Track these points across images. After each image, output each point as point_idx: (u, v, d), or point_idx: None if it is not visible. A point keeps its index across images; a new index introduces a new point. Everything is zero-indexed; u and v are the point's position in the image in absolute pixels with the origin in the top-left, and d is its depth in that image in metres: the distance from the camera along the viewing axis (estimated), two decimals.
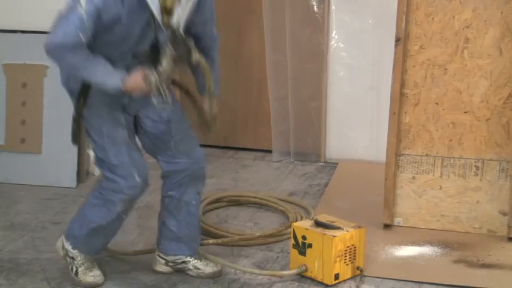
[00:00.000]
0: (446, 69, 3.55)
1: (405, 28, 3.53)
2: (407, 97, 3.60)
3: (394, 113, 3.59)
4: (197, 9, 2.92)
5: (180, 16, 2.82)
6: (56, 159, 4.21)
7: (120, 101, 2.96)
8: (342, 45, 4.62)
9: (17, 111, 4.31)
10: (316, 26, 4.62)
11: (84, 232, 3.07)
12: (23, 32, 4.29)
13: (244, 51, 4.92)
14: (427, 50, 3.55)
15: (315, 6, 4.58)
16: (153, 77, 2.79)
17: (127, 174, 2.97)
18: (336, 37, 4.61)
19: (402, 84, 3.58)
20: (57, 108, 4.06)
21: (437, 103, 3.58)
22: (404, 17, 3.52)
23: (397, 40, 3.53)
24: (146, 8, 2.74)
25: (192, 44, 2.89)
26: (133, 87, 2.82)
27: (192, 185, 3.15)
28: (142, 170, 3.01)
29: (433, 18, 3.53)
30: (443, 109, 3.57)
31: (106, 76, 2.81)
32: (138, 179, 2.98)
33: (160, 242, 3.23)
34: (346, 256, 3.08)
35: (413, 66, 3.59)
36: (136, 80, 2.80)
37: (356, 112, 4.71)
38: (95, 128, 3.00)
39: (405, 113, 3.62)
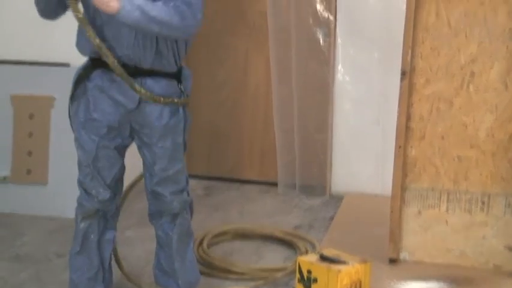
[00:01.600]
0: (452, 103, 3.54)
1: (411, 62, 3.53)
2: (413, 131, 3.60)
3: (400, 147, 3.58)
4: None
5: None
6: (61, 191, 4.19)
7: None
8: (347, 78, 4.62)
9: (23, 142, 4.32)
10: (322, 60, 4.63)
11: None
12: (31, 63, 4.32)
13: (250, 83, 4.94)
14: (433, 84, 3.56)
15: (321, 40, 4.60)
16: None
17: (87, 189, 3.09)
18: (342, 70, 4.62)
19: (408, 118, 3.57)
20: (64, 139, 3.97)
21: (443, 137, 3.57)
22: (410, 51, 3.52)
23: (403, 74, 3.54)
24: None
25: None
26: None
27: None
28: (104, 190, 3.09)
29: (438, 53, 3.53)
30: (449, 143, 3.56)
31: None
32: (98, 195, 3.07)
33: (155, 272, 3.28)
34: None
35: (419, 100, 3.58)
36: None
37: (362, 145, 4.71)
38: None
39: (411, 146, 3.61)
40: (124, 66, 2.95)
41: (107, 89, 3.03)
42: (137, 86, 2.93)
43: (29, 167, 4.33)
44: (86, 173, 3.12)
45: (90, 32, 2.85)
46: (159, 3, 2.88)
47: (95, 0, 2.77)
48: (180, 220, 3.21)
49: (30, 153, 4.32)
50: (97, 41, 2.87)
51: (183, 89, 3.11)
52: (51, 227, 4.10)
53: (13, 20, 4.29)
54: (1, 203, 4.30)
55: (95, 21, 2.95)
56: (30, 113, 4.32)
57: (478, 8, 3.45)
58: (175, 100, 3.06)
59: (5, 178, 4.32)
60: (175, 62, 3.07)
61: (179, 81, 3.11)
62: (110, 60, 2.89)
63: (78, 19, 2.83)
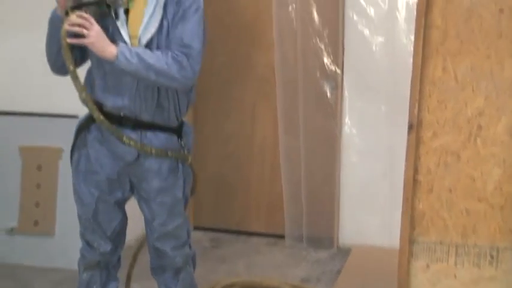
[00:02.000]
0: (459, 156, 3.52)
1: (418, 115, 3.53)
2: (420, 184, 3.58)
3: (408, 199, 3.56)
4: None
5: None
6: (68, 242, 4.14)
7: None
8: (354, 131, 4.64)
9: (31, 193, 4.32)
10: (330, 112, 4.65)
11: None
12: (39, 115, 4.34)
13: (257, 135, 4.95)
14: (440, 137, 3.55)
15: (328, 93, 4.62)
16: None
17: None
18: (349, 123, 4.64)
19: (415, 171, 3.55)
20: (72, 191, 3.93)
21: (450, 190, 3.54)
22: (417, 104, 3.53)
23: (410, 127, 3.53)
24: None
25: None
26: None
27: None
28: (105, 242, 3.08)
29: (445, 106, 3.53)
30: (457, 196, 3.53)
31: None
32: (100, 248, 3.07)
33: None
34: None
35: (427, 152, 3.57)
36: None
37: (369, 197, 4.69)
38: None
39: (418, 199, 3.58)
40: (124, 118, 2.97)
41: (106, 141, 3.03)
42: (125, 138, 2.92)
43: (37, 218, 4.32)
44: (86, 226, 3.13)
45: (78, 85, 2.85)
46: (158, 52, 2.90)
47: (93, 44, 2.81)
48: (183, 275, 3.19)
49: (37, 205, 4.32)
50: (83, 94, 2.87)
51: (183, 144, 3.12)
52: (57, 279, 4.09)
53: (22, 72, 4.34)
54: (8, 254, 4.30)
55: (100, 69, 2.98)
56: (38, 164, 4.33)
57: (485, 61, 3.47)
58: (168, 153, 3.03)
59: (12, 229, 4.32)
60: (176, 116, 3.08)
61: (180, 136, 3.11)
62: (96, 114, 2.89)
63: (69, 70, 2.84)
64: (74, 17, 2.80)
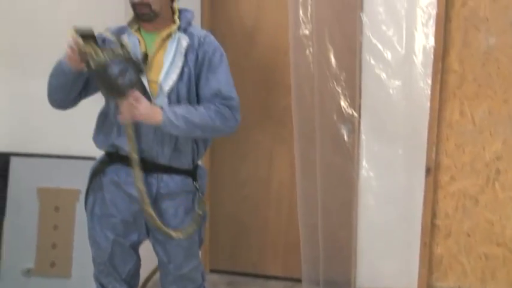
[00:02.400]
0: (477, 200, 3.52)
1: (436, 159, 3.53)
2: (438, 228, 3.56)
3: (425, 244, 3.54)
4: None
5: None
6: (85, 284, 4.13)
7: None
8: (372, 174, 4.60)
9: (48, 235, 4.30)
10: (347, 155, 4.60)
11: None
12: (57, 156, 4.35)
13: (274, 178, 4.92)
14: (458, 181, 3.54)
15: (345, 136, 4.58)
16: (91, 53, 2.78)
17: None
18: (366, 166, 4.60)
19: (433, 215, 3.55)
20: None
21: (469, 234, 3.53)
22: (434, 148, 3.53)
23: (428, 171, 3.53)
24: None
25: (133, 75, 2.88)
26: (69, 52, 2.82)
27: None
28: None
29: (463, 150, 3.53)
30: (475, 241, 3.52)
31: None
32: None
33: None
34: None
35: (444, 196, 3.57)
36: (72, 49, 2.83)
37: (387, 241, 4.63)
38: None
39: (436, 243, 3.57)
40: (142, 160, 2.98)
41: (122, 184, 3.04)
42: (140, 184, 2.94)
43: (53, 259, 4.31)
44: (101, 269, 3.14)
45: (129, 128, 2.91)
46: (201, 108, 2.91)
47: (139, 116, 2.84)
48: None
49: (54, 246, 4.30)
50: (134, 155, 2.93)
51: (198, 186, 3.11)
52: None
53: (40, 115, 4.35)
54: None
55: (115, 113, 2.99)
56: (55, 206, 4.33)
57: (502, 105, 3.47)
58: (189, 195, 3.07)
59: (28, 270, 4.30)
60: (193, 159, 3.10)
61: (195, 178, 3.12)
62: (133, 156, 2.93)
63: (132, 157, 2.92)
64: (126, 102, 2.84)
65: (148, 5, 2.96)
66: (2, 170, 4.39)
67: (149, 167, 3.01)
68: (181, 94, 2.99)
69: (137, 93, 2.85)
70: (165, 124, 2.86)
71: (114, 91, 2.84)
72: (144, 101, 2.86)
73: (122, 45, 2.85)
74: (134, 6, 2.98)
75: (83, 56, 2.77)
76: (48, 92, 3.05)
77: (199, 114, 2.91)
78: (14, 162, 4.38)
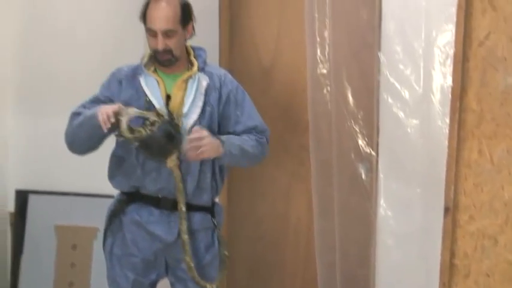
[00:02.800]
0: (496, 240, 3.48)
1: (454, 198, 3.51)
2: (457, 268, 3.52)
3: (444, 284, 3.51)
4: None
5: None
6: None
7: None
8: (390, 213, 4.53)
9: (65, 273, 4.32)
10: (364, 194, 4.56)
11: None
12: (75, 194, 4.41)
13: (291, 216, 4.90)
14: (477, 220, 3.51)
15: (363, 174, 4.55)
16: (124, 114, 2.89)
17: None
18: (384, 205, 4.53)
19: (452, 255, 3.51)
20: (105, 271, 4.00)
21: (488, 275, 3.49)
22: (452, 187, 3.51)
23: (446, 210, 3.51)
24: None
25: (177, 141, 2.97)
26: (104, 113, 2.88)
27: None
28: None
29: (482, 189, 3.51)
30: (495, 281, 3.47)
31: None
32: None
33: None
34: None
35: (463, 236, 3.53)
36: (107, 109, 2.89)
37: (405, 281, 4.53)
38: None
39: (455, 284, 3.53)
40: (163, 199, 3.06)
41: (144, 223, 3.07)
42: (184, 234, 3.02)
43: None
44: None
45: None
46: (247, 137, 3.08)
47: (205, 153, 2.94)
48: None
49: (71, 284, 4.31)
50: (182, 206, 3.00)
51: (216, 222, 3.12)
52: None
53: (57, 152, 4.24)
54: None
55: (139, 157, 3.07)
56: (73, 244, 4.35)
57: None
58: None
59: None
60: (212, 196, 3.17)
61: (213, 215, 3.20)
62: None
63: (180, 209, 3.00)
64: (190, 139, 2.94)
65: (171, 51, 3.02)
66: (20, 207, 4.45)
67: (170, 205, 3.06)
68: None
69: (196, 132, 2.93)
70: (225, 155, 2.97)
71: (172, 153, 2.98)
72: (204, 134, 2.94)
73: (158, 114, 2.95)
74: (156, 53, 3.02)
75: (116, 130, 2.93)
76: (70, 139, 3.12)
77: (249, 144, 3.07)
78: (32, 199, 4.43)
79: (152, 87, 3.05)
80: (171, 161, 2.98)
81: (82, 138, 3.04)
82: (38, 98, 4.46)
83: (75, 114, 3.10)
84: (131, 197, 3.17)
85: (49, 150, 4.47)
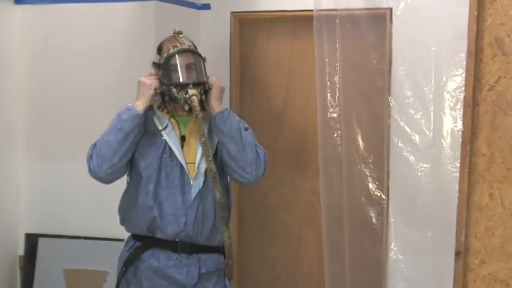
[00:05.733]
0: (508, 284, 3.45)
1: (465, 242, 3.49)
2: None
3: None
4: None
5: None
6: None
7: None
8: (401, 257, 4.51)
9: None
10: (375, 238, 4.53)
11: None
12: (85, 238, 4.37)
13: (302, 260, 4.88)
14: (488, 264, 3.48)
15: (374, 218, 4.53)
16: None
17: None
18: (395, 249, 4.52)
19: None
20: None
21: None
22: (463, 231, 3.49)
23: (457, 254, 3.48)
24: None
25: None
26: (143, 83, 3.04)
27: None
28: None
29: (493, 233, 3.49)
30: None
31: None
32: None
33: None
34: None
35: (474, 280, 3.51)
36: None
37: None
38: None
39: None
40: (180, 243, 3.03)
41: (163, 268, 3.03)
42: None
43: None
44: None
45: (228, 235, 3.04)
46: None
47: (222, 89, 3.08)
48: None
49: None
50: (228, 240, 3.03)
51: (227, 263, 3.13)
52: None
53: (67, 197, 4.44)
54: None
55: (157, 198, 3.03)
56: (82, 287, 4.30)
57: None
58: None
59: None
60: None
61: (224, 255, 3.14)
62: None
63: (226, 228, 3.03)
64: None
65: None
66: (30, 251, 4.41)
67: (188, 248, 3.05)
68: (217, 170, 3.03)
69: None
70: (225, 114, 3.02)
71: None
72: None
73: None
74: (178, 101, 3.07)
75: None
76: (99, 154, 3.04)
77: (248, 134, 3.08)
78: (41, 243, 4.40)
79: (169, 129, 3.10)
80: None
81: (113, 142, 3.00)
82: (48, 143, 4.47)
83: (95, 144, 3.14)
84: (146, 243, 3.12)
85: (59, 194, 4.48)
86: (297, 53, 4.74)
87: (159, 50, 3.15)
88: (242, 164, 3.04)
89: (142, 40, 4.11)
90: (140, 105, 3.05)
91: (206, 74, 3.13)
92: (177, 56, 3.03)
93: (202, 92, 3.04)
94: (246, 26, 4.75)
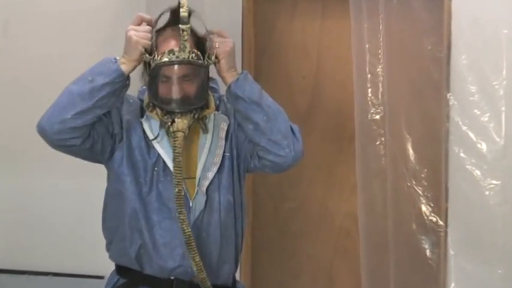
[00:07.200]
0: None
1: None
2: None
3: None
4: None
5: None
6: None
7: None
8: None
9: None
10: (429, 275, 4.13)
11: None
12: (64, 275, 4.31)
13: None
14: None
15: (428, 250, 4.13)
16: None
17: None
18: None
19: None
20: None
21: None
22: None
23: None
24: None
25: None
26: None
27: None
28: None
29: None
30: None
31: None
32: None
33: None
34: None
35: None
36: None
37: None
38: None
39: None
40: (176, 281, 2.82)
41: None
42: None
43: None
44: None
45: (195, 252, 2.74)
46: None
47: (230, 54, 2.76)
48: None
49: None
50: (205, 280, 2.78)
51: None
52: None
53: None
54: None
55: (149, 222, 2.81)
56: None
57: None
58: None
59: None
60: (234, 270, 2.97)
61: None
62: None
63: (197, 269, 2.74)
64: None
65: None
66: None
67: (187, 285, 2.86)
68: (222, 186, 2.86)
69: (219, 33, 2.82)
70: (240, 78, 2.74)
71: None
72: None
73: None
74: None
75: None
76: (54, 103, 2.70)
77: (275, 102, 2.82)
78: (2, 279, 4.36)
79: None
80: None
81: (73, 96, 2.66)
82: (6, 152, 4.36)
83: None
84: (133, 280, 2.91)
85: (22, 216, 4.35)
86: (327, 36, 4.46)
87: (155, 43, 2.81)
88: (276, 136, 2.78)
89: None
90: (125, 64, 2.71)
91: (209, 87, 2.89)
92: (168, 67, 2.74)
93: (197, 116, 2.79)
94: (263, 2, 4.49)
